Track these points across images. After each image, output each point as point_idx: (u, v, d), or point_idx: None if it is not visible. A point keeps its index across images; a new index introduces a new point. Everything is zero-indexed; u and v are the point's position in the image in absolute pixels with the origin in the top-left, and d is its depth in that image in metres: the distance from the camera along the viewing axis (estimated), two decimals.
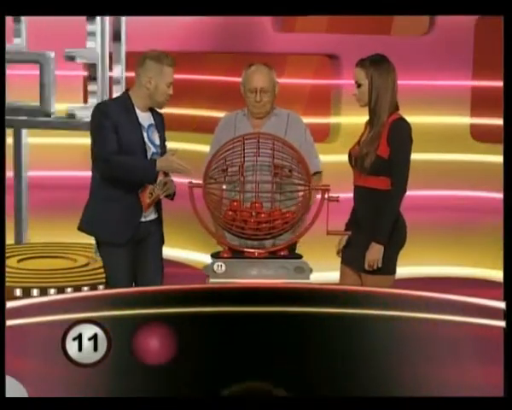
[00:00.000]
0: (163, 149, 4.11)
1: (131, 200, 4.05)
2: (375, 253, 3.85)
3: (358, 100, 3.96)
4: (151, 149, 4.07)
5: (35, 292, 5.56)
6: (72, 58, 5.76)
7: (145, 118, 4.09)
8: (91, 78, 5.84)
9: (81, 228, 4.21)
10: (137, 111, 4.07)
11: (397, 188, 3.89)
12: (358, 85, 3.93)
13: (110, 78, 5.82)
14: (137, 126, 4.04)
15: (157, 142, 4.10)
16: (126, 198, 4.04)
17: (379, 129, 3.87)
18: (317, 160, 4.21)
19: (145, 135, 4.06)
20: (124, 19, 5.74)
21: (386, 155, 3.86)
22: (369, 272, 3.89)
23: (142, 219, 4.10)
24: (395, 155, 3.85)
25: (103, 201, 4.11)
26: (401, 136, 3.88)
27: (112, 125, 3.97)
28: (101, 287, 5.48)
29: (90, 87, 5.85)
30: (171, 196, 4.08)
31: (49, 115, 5.85)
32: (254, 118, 4.20)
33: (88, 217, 4.17)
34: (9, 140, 6.07)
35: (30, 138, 6.11)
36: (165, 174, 4.01)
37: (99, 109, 4.09)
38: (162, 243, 4.25)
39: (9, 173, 5.87)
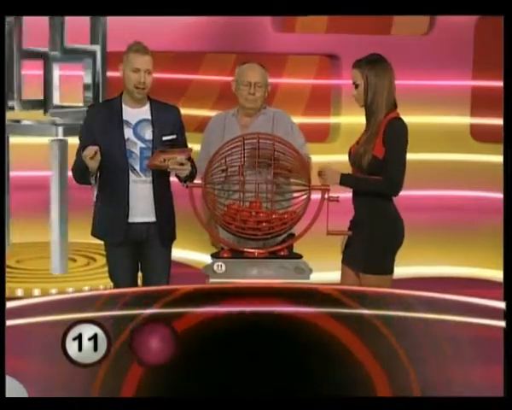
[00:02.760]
0: (159, 144, 4.05)
1: (116, 200, 4.05)
2: (331, 173, 3.80)
3: (357, 100, 3.97)
4: (138, 145, 4.05)
5: (35, 292, 5.57)
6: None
7: (135, 114, 4.07)
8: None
9: (92, 233, 4.27)
10: (126, 108, 4.07)
11: (384, 183, 3.86)
12: (356, 86, 3.93)
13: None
14: (118, 124, 4.03)
15: (147, 137, 4.06)
16: (112, 199, 4.06)
17: (376, 128, 3.87)
18: (304, 150, 4.17)
19: (129, 131, 4.04)
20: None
21: (382, 155, 3.85)
22: (368, 271, 3.89)
23: (138, 220, 4.08)
24: (388, 153, 3.84)
25: (98, 203, 4.18)
26: (395, 135, 3.86)
27: (88, 130, 4.05)
28: (101, 287, 5.49)
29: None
30: (182, 179, 3.97)
31: None
32: (244, 115, 4.23)
33: (93, 221, 4.23)
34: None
35: (33, 138, 6.13)
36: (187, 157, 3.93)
37: (86, 113, 4.20)
38: (168, 244, 4.20)
39: None
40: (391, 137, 3.84)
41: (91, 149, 3.86)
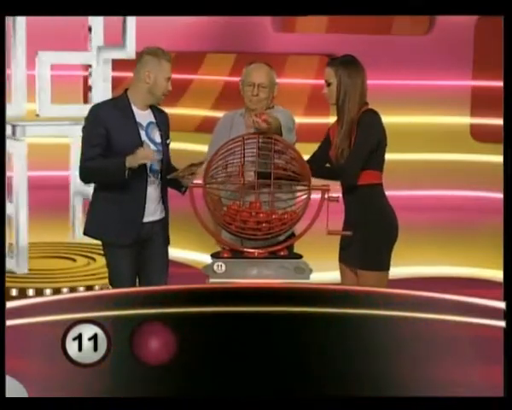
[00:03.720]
0: (165, 147, 4.10)
1: (133, 201, 4.04)
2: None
3: (328, 98, 4.00)
4: (151, 147, 4.06)
5: (34, 292, 5.57)
6: None
7: (144, 116, 4.08)
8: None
9: (86, 233, 4.22)
10: (135, 109, 4.06)
11: (338, 171, 3.89)
12: (328, 84, 3.97)
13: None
14: (133, 125, 4.03)
15: (157, 140, 4.09)
16: (128, 200, 4.04)
17: (349, 126, 3.91)
18: None
19: (143, 133, 4.05)
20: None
21: None
22: (365, 268, 3.90)
23: (146, 220, 4.10)
24: (356, 139, 3.86)
25: (105, 203, 4.11)
26: (362, 126, 3.88)
27: (100, 129, 3.99)
28: (100, 287, 5.49)
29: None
30: (181, 188, 4.03)
31: None
32: (250, 116, 4.21)
33: (91, 221, 4.18)
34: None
35: (34, 139, 6.12)
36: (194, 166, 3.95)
37: (90, 112, 4.13)
38: (167, 244, 4.22)
39: None
40: (359, 129, 3.88)
41: (150, 153, 3.90)
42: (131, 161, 3.87)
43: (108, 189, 4.06)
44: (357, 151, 3.87)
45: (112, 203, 4.08)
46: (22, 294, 5.51)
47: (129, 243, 4.06)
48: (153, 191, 4.09)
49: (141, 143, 3.99)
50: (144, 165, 4.00)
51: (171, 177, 4.00)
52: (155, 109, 4.14)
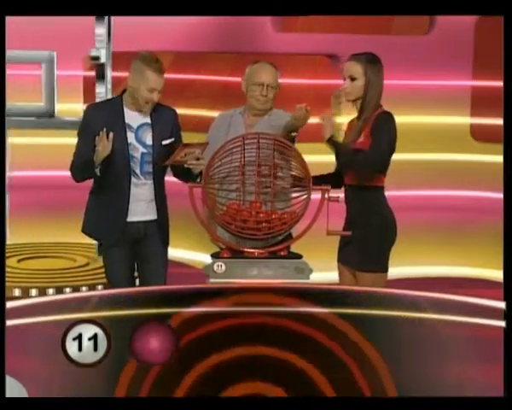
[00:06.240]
0: (159, 148, 4.06)
1: (117, 201, 4.05)
2: (328, 128, 3.88)
3: (348, 94, 3.97)
4: (139, 150, 4.05)
5: (35, 292, 5.57)
6: (96, 58, 5.72)
7: (136, 117, 4.07)
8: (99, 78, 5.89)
9: (82, 230, 4.26)
10: (127, 111, 4.06)
11: (371, 153, 3.84)
12: (352, 79, 3.93)
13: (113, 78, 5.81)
14: (121, 127, 4.03)
15: (148, 142, 4.06)
16: (112, 199, 4.06)
17: (362, 124, 3.90)
18: None
19: (131, 136, 4.04)
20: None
21: (368, 147, 3.87)
22: (363, 269, 3.90)
23: (136, 219, 4.09)
24: (376, 136, 3.84)
25: (94, 202, 4.17)
26: (383, 123, 3.88)
27: (88, 130, 4.02)
28: (100, 287, 5.49)
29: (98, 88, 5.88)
30: (193, 176, 3.92)
31: (52, 116, 5.82)
32: (252, 115, 4.21)
33: (85, 219, 4.23)
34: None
35: (33, 138, 6.13)
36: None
37: (83, 113, 4.19)
38: (165, 244, 4.22)
39: None
40: (379, 125, 3.86)
41: (104, 137, 3.86)
42: (96, 157, 3.89)
43: (97, 188, 4.10)
44: (386, 138, 3.85)
45: (99, 202, 4.13)
46: (22, 294, 5.52)
47: (114, 242, 4.07)
48: (143, 192, 4.08)
49: (126, 146, 4.00)
50: (129, 167, 4.01)
51: (168, 163, 3.95)
52: (156, 109, 4.09)
